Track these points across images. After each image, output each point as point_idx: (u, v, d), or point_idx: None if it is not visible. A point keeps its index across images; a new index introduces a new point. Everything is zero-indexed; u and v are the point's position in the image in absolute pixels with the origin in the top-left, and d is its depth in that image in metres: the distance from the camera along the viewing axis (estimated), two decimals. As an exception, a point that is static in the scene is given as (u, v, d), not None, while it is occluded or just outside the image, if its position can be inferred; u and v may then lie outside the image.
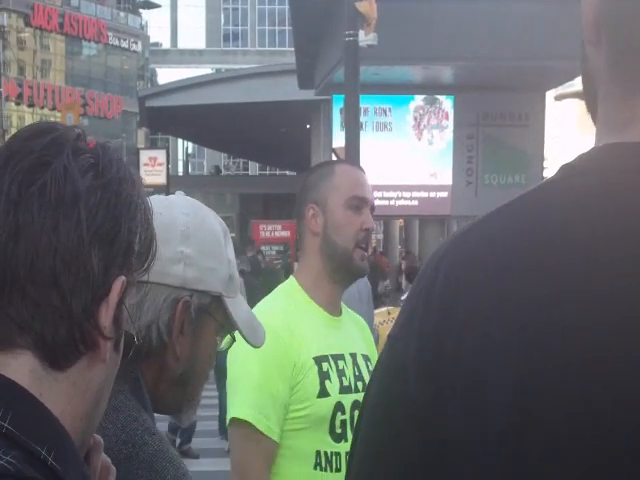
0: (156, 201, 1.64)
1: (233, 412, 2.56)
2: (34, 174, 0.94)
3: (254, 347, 1.80)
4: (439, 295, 0.97)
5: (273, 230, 27.01)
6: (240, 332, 1.74)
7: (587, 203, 0.96)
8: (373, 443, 1.03)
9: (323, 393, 2.56)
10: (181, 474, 1.51)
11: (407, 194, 20.01)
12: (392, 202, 19.87)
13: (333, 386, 2.58)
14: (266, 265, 21.83)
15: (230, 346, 1.82)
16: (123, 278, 0.98)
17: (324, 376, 2.57)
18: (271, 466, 2.53)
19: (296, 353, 2.55)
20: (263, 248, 24.74)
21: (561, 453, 0.88)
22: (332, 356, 2.62)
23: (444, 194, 20.03)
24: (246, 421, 2.51)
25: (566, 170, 1.02)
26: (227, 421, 2.60)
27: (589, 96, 1.08)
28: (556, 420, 0.88)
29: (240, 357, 2.55)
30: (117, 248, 0.98)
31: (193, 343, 1.66)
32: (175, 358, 1.63)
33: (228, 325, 1.73)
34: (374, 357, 2.80)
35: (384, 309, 16.14)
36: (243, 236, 34.17)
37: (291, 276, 2.83)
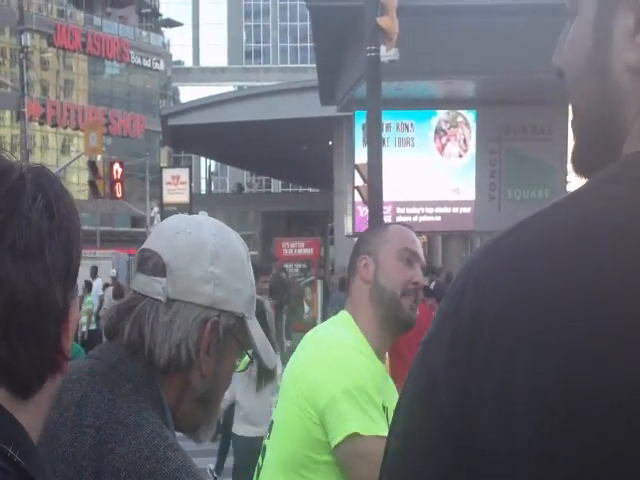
0: (184, 220, 1.75)
1: (356, 428, 2.49)
2: (2, 230, 0.99)
3: (267, 368, 1.86)
4: (470, 302, 0.96)
5: (296, 248, 27.05)
6: (257, 353, 1.77)
7: (625, 211, 0.94)
8: (405, 455, 1.01)
9: None
10: None
11: (430, 210, 20.02)
12: (415, 218, 19.86)
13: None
14: (289, 282, 21.89)
15: (246, 368, 1.88)
16: (76, 297, 1.08)
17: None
18: None
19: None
20: (286, 265, 24.80)
21: (594, 460, 0.86)
22: (384, 407, 2.61)
23: (467, 209, 20.02)
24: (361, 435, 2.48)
25: (599, 178, 1.01)
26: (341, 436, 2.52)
27: (610, 124, 1.05)
28: (590, 428, 0.86)
29: (337, 376, 2.55)
30: (71, 277, 1.06)
31: (217, 363, 1.69)
32: (201, 377, 1.66)
33: (247, 346, 1.76)
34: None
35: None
36: (266, 254, 34.27)
37: (348, 315, 2.79)
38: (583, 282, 0.91)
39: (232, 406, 7.45)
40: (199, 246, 1.67)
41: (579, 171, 1.10)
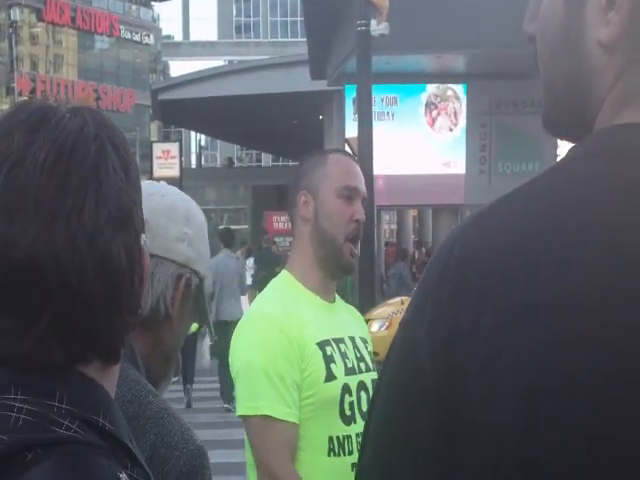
0: (155, 184, 1.85)
1: (244, 409, 2.56)
2: (97, 202, 0.99)
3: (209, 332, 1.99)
4: (452, 279, 0.97)
5: (286, 221, 26.90)
6: (206, 315, 1.87)
7: (604, 183, 0.96)
8: (387, 423, 1.03)
9: (330, 377, 2.56)
10: (185, 428, 1.63)
11: (420, 183, 19.99)
12: (405, 192, 19.85)
13: (339, 369, 2.58)
14: (280, 255, 21.86)
15: (196, 331, 1.98)
16: (144, 248, 1.10)
17: (329, 360, 2.58)
18: (295, 452, 2.53)
19: (300, 339, 2.56)
20: (277, 239, 24.77)
21: (576, 440, 0.88)
22: (333, 340, 2.63)
23: (457, 183, 20.00)
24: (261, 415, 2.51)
25: (578, 150, 1.03)
26: (238, 414, 2.61)
27: (580, 96, 1.07)
28: (572, 407, 0.89)
29: (243, 351, 2.59)
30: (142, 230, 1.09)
31: (182, 320, 1.78)
32: (171, 333, 1.75)
33: (202, 309, 1.86)
34: (370, 341, 2.84)
35: (398, 299, 16.18)
36: (257, 227, 34.20)
37: (284, 269, 2.83)
38: (556, 256, 0.93)
39: None
40: (173, 208, 1.78)
41: (548, 131, 1.12)
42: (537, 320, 0.91)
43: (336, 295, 2.83)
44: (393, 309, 14.89)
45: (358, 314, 2.98)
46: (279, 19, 62.96)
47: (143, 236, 1.71)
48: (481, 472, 0.93)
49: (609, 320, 0.89)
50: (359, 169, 2.83)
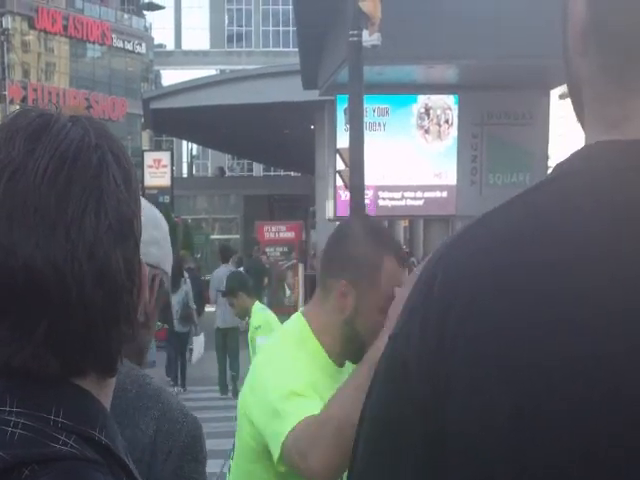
0: None
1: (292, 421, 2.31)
2: (98, 213, 0.98)
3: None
4: (439, 292, 0.99)
5: (277, 231, 27.05)
6: (169, 309, 2.06)
7: (587, 199, 0.97)
8: (376, 441, 1.04)
9: None
10: (182, 404, 1.79)
11: (411, 194, 20.02)
12: (396, 202, 19.88)
13: None
14: (271, 266, 21.88)
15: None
16: (142, 262, 1.09)
17: None
18: None
19: None
20: (267, 249, 24.79)
21: (560, 448, 0.89)
22: None
23: (448, 194, 20.04)
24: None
25: (559, 170, 1.04)
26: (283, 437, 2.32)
27: (577, 105, 1.10)
28: (557, 413, 0.90)
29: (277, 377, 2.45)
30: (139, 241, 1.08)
31: (153, 316, 1.91)
32: (148, 330, 1.86)
33: (166, 301, 2.08)
34: None
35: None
36: (248, 237, 34.21)
37: (300, 315, 2.66)
38: (542, 279, 0.94)
39: None
40: (144, 212, 1.86)
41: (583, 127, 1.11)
42: (519, 343, 0.92)
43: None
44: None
45: None
46: (271, 29, 63.15)
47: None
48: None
49: (604, 339, 0.90)
50: (407, 272, 2.58)
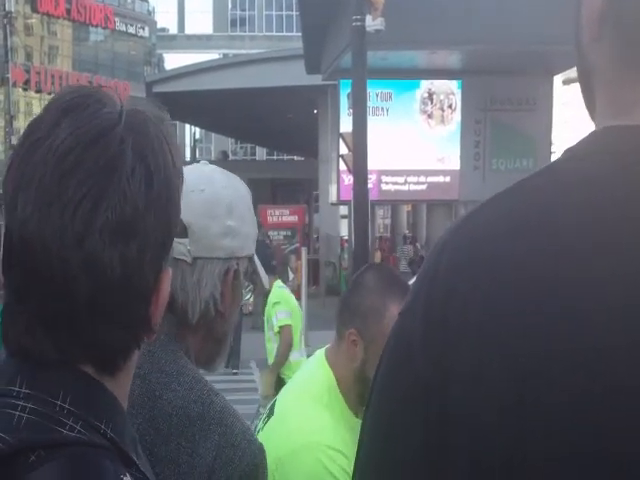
0: (195, 177, 1.74)
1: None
2: (97, 207, 0.96)
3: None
4: (444, 275, 1.00)
5: (281, 215, 26.97)
6: (262, 282, 1.91)
7: (591, 186, 0.97)
8: (382, 424, 1.05)
9: None
10: (246, 427, 1.65)
11: (414, 179, 20.01)
12: (399, 187, 19.87)
13: None
14: (273, 250, 21.88)
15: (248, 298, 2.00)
16: (168, 268, 1.05)
17: None
18: None
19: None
20: (271, 233, 24.76)
21: (561, 439, 0.90)
22: None
23: (451, 179, 20.02)
24: None
25: (569, 154, 1.04)
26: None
27: (586, 90, 1.10)
28: (558, 404, 0.90)
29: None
30: (167, 248, 1.05)
31: (234, 306, 1.78)
32: (224, 321, 1.76)
33: (253, 279, 1.89)
34: None
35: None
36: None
37: (324, 361, 2.61)
38: (544, 268, 0.94)
39: None
40: (214, 203, 1.74)
41: (591, 115, 1.11)
42: (521, 331, 0.93)
43: None
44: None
45: None
46: (274, 13, 62.84)
47: (186, 242, 1.66)
48: (468, 465, 0.95)
49: (606, 328, 0.91)
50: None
